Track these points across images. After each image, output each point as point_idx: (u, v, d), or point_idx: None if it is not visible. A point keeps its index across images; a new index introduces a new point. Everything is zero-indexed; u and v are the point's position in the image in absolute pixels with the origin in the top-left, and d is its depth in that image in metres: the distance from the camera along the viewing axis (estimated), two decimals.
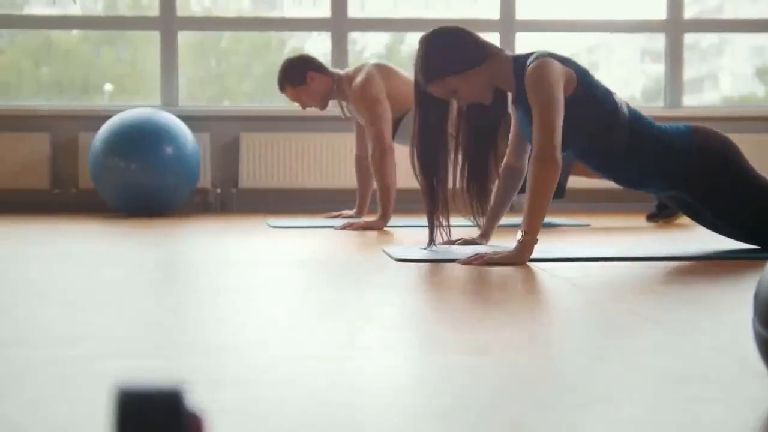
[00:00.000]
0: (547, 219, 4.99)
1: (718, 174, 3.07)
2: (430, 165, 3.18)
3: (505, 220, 3.45)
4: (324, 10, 6.34)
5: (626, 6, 6.92)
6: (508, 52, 3.15)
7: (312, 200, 6.06)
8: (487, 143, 3.21)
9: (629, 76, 8.14)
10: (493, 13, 6.36)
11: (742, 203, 3.07)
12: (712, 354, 1.55)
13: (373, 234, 4.22)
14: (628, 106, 3.11)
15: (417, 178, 3.21)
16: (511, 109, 3.26)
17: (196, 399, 1.18)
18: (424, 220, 3.25)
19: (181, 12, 6.28)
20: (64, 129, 6.04)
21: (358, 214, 5.06)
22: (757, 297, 1.22)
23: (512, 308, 2.07)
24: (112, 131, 5.41)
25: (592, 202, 5.99)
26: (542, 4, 6.79)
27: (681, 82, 6.38)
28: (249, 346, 1.64)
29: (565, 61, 3.04)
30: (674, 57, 6.37)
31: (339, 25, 6.25)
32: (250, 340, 1.69)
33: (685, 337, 1.71)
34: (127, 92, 7.17)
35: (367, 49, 7.41)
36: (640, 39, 7.47)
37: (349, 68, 4.90)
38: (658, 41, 6.58)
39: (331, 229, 4.46)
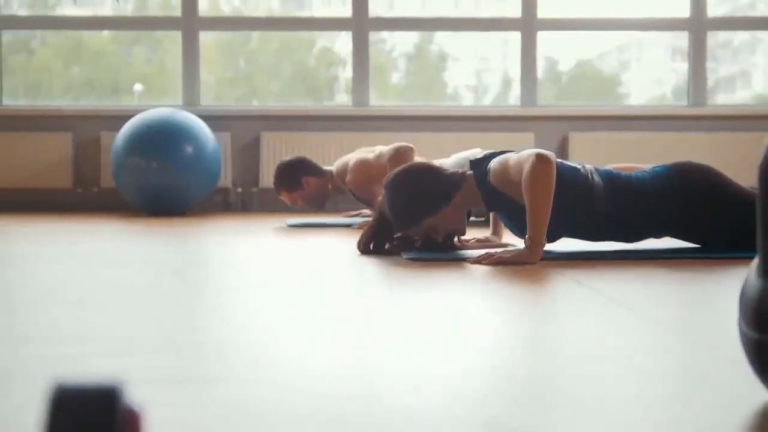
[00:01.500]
0: None
1: (708, 204, 3.03)
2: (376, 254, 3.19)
3: None
4: (349, 10, 6.35)
5: (650, 4, 6.86)
6: (466, 169, 3.13)
7: (332, 199, 6.06)
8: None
9: (660, 74, 8.09)
10: (515, 11, 6.34)
11: (735, 221, 3.04)
12: (705, 353, 1.54)
13: None
14: (597, 170, 3.08)
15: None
16: (492, 216, 3.37)
17: (136, 396, 1.18)
18: None
19: (204, 12, 6.31)
20: (87, 129, 6.09)
21: None
22: (742, 298, 1.21)
23: (513, 307, 2.06)
24: (133, 131, 5.45)
25: None
26: (564, 2, 6.76)
27: (705, 81, 6.33)
28: (249, 345, 1.64)
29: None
30: (698, 55, 6.32)
31: (360, 24, 6.26)
32: (251, 340, 1.69)
33: (680, 336, 1.70)
34: (156, 92, 7.22)
35: (396, 48, 7.41)
36: (671, 37, 7.40)
37: (338, 162, 4.85)
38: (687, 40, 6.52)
39: (349, 227, 4.47)
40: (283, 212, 5.82)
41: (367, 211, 5.23)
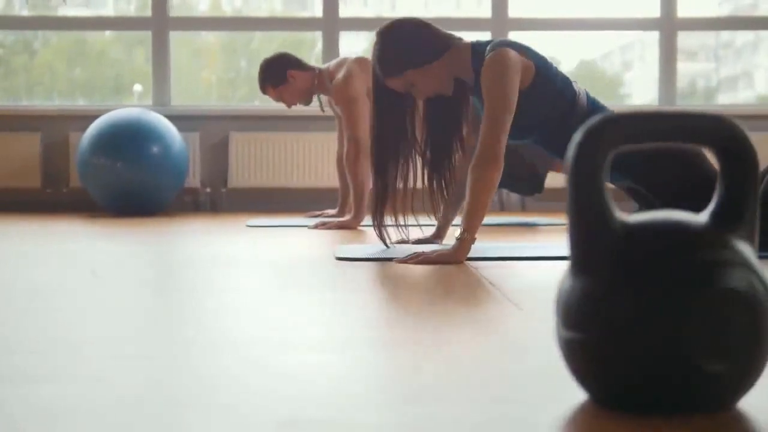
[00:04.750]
0: (527, 219, 4.99)
1: (671, 163, 3.02)
2: (386, 160, 3.13)
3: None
4: (358, 10, 6.36)
5: (620, 4, 6.86)
6: (467, 40, 3.11)
7: (301, 199, 6.07)
8: (451, 136, 3.19)
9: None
10: (485, 11, 6.34)
11: (690, 191, 2.98)
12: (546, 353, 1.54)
13: (345, 233, 4.22)
14: (588, 95, 3.10)
15: (373, 166, 3.15)
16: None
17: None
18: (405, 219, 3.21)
19: (204, 12, 6.32)
20: (55, 129, 6.10)
21: (341, 213, 5.07)
22: (558, 300, 1.21)
23: (404, 307, 2.07)
24: (99, 131, 5.46)
25: None
26: (536, 2, 6.76)
27: (674, 81, 6.32)
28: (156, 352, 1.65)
29: (523, 51, 3.01)
30: (667, 55, 6.31)
31: (330, 24, 6.26)
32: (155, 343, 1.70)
33: (543, 336, 1.70)
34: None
35: None
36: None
37: (331, 62, 4.89)
38: (692, 39, 6.50)
39: (305, 228, 4.48)
40: (252, 212, 5.83)
41: (329, 211, 5.24)
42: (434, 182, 3.19)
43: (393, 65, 3.04)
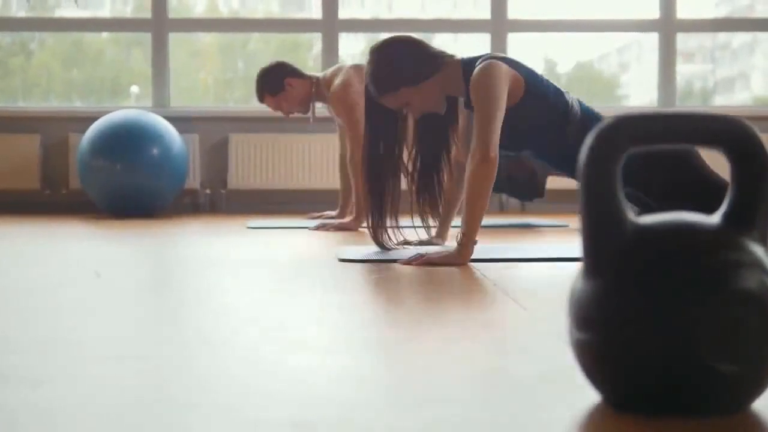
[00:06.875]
0: (526, 220, 4.99)
1: (669, 169, 3.03)
2: (379, 173, 3.15)
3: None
4: (355, 12, 6.36)
5: (619, 5, 6.86)
6: (459, 56, 3.13)
7: (301, 201, 6.07)
8: (440, 150, 3.22)
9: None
10: (483, 12, 6.34)
11: (688, 193, 2.98)
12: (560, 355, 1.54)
13: (346, 234, 4.22)
14: (581, 103, 3.10)
15: (365, 182, 3.18)
16: (461, 112, 3.27)
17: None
18: (400, 221, 3.21)
19: (200, 14, 6.31)
20: (55, 130, 6.10)
21: (341, 215, 5.06)
22: (570, 302, 1.21)
23: (407, 308, 2.07)
24: (98, 132, 5.46)
25: (575, 203, 5.94)
26: (535, 4, 6.76)
27: (674, 83, 6.33)
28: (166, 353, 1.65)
29: (512, 64, 3.02)
30: (667, 57, 6.32)
31: (330, 26, 6.26)
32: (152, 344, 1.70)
33: (550, 337, 1.70)
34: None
35: None
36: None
37: (327, 70, 4.89)
38: (689, 41, 6.50)
39: (306, 229, 4.48)
40: (252, 214, 5.83)
41: (330, 213, 5.23)
42: (422, 200, 3.23)
43: (387, 83, 3.06)
